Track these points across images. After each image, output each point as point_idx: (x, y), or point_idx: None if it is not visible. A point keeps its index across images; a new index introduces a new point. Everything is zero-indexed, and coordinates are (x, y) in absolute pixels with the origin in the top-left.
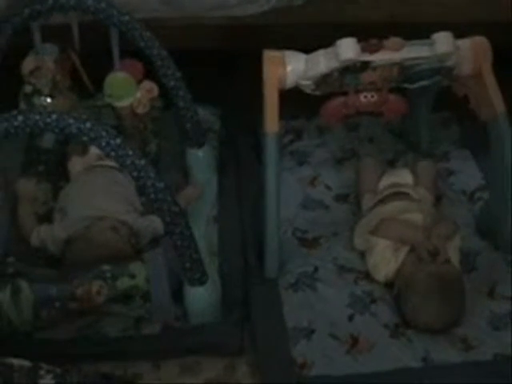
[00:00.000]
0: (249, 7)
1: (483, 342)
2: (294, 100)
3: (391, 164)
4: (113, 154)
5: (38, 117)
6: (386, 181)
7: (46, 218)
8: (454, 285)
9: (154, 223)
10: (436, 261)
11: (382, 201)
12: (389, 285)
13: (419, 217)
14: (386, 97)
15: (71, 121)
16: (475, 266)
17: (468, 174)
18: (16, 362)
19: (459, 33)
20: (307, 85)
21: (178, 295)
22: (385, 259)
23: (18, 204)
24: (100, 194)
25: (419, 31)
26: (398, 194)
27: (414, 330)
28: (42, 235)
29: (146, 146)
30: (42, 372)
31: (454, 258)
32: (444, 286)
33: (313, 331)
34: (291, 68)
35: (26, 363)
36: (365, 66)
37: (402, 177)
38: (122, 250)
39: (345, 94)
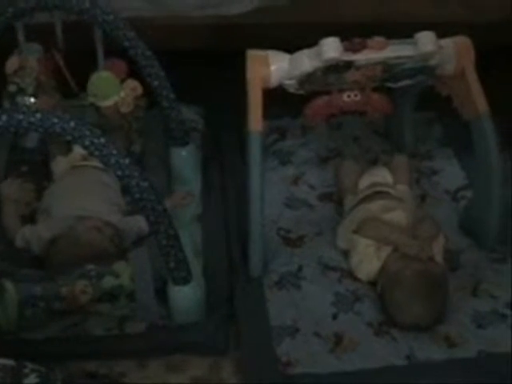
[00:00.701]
0: (233, 7)
1: (467, 339)
2: (278, 100)
3: (374, 163)
4: (97, 153)
5: (21, 116)
6: (365, 180)
7: (30, 218)
8: (438, 282)
9: (139, 223)
10: (420, 259)
11: (364, 200)
12: (372, 283)
13: (402, 215)
14: (370, 96)
15: (55, 120)
16: (459, 264)
17: (451, 172)
18: (0, 360)
19: (442, 33)
20: (291, 84)
21: (162, 294)
22: (367, 258)
23: (3, 205)
24: (84, 194)
25: (403, 31)
26: (379, 193)
27: (398, 327)
28: (27, 236)
29: (130, 146)
30: (26, 371)
31: (438, 256)
32: (428, 283)
33: (297, 330)
34: (275, 67)
35: (10, 362)
36: (348, 65)
37: (382, 176)
38: (106, 250)
39: (328, 93)
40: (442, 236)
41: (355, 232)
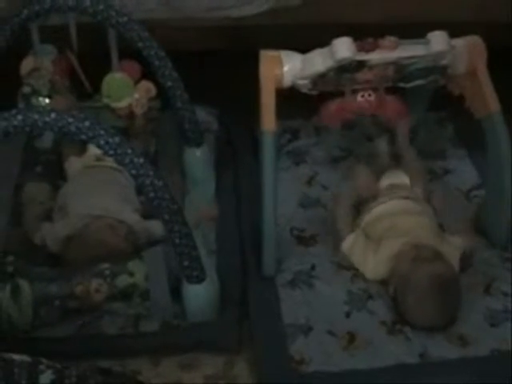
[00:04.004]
0: (246, 8)
1: (480, 338)
2: (292, 100)
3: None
4: (111, 152)
5: (36, 116)
6: (383, 183)
7: (45, 217)
8: (451, 286)
9: (153, 227)
10: (434, 261)
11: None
12: (385, 282)
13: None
14: (384, 99)
15: (70, 119)
16: (472, 262)
17: (464, 172)
18: (16, 357)
19: (454, 32)
20: (304, 84)
21: (176, 293)
22: (363, 257)
23: (26, 207)
24: (99, 193)
25: (415, 31)
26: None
27: (411, 326)
28: (44, 233)
29: (146, 147)
30: (42, 367)
31: (454, 257)
32: (442, 287)
33: (310, 328)
34: (288, 67)
35: (27, 358)
36: (361, 65)
37: (399, 177)
38: (121, 249)
39: (342, 93)
40: (459, 237)
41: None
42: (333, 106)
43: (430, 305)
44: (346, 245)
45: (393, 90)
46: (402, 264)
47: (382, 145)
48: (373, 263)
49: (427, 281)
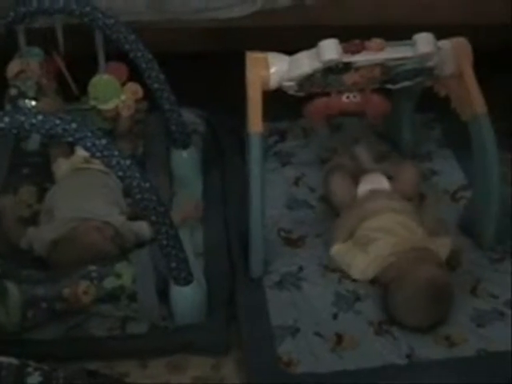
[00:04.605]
0: (234, 10)
1: (467, 338)
2: (278, 102)
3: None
4: (98, 154)
5: (23, 118)
6: (362, 189)
7: (32, 220)
8: (446, 290)
9: (141, 229)
10: (433, 264)
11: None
12: (374, 282)
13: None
14: (369, 97)
15: (57, 121)
16: (457, 263)
17: (450, 173)
18: (4, 359)
19: (441, 34)
20: (290, 86)
21: (164, 295)
22: (350, 258)
23: (1, 219)
24: (86, 196)
25: (401, 33)
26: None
27: (398, 326)
28: (30, 237)
29: (133, 149)
30: (29, 369)
31: (441, 257)
32: (438, 290)
33: (298, 330)
34: (274, 69)
35: (14, 361)
36: (347, 66)
37: (378, 182)
38: (108, 251)
39: (328, 94)
40: (448, 238)
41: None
42: (318, 103)
43: (423, 306)
44: (333, 250)
45: (378, 89)
46: (400, 263)
47: (361, 151)
48: (364, 264)
49: (425, 282)
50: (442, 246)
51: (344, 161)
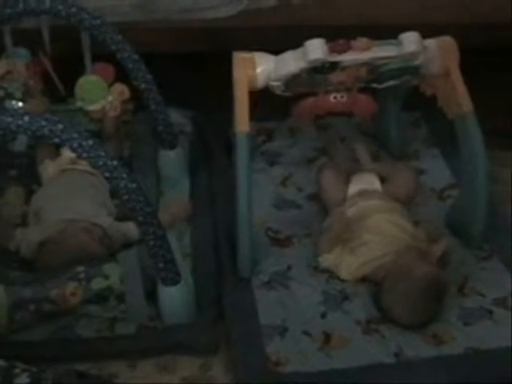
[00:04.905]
0: (221, 10)
1: (454, 336)
2: (266, 102)
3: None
4: (85, 155)
5: (10, 119)
6: (353, 188)
7: (20, 222)
8: (441, 288)
9: (128, 230)
10: (429, 261)
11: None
12: (363, 280)
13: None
14: (356, 97)
15: (43, 122)
16: (446, 262)
17: (437, 172)
18: None
19: (427, 33)
20: (277, 86)
21: (152, 295)
22: (339, 260)
23: None
24: (73, 197)
25: (387, 33)
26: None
27: (389, 324)
28: (17, 239)
29: (117, 149)
30: (17, 371)
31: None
32: (433, 289)
33: (286, 329)
34: (261, 69)
35: (2, 362)
36: (333, 66)
37: (370, 182)
38: (96, 252)
39: (315, 94)
40: (444, 239)
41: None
42: (305, 103)
43: (418, 303)
44: (322, 259)
45: (365, 89)
46: (395, 261)
47: (361, 148)
48: (353, 266)
49: (423, 280)
50: (436, 246)
51: (339, 157)
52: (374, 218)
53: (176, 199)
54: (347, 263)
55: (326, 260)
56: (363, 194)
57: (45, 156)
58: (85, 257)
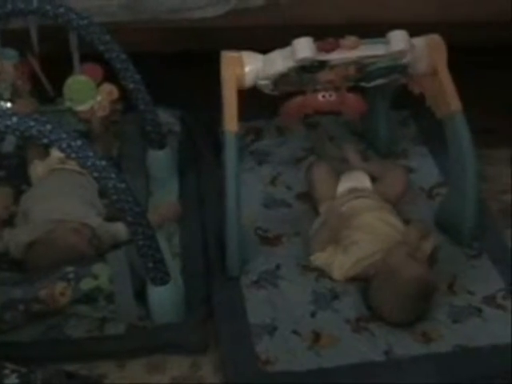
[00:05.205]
0: (208, 10)
1: (443, 334)
2: (254, 101)
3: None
4: (73, 155)
5: None
6: (343, 186)
7: (8, 222)
8: (429, 288)
9: (118, 230)
10: (419, 260)
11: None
12: (353, 279)
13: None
14: (345, 96)
15: (32, 123)
16: (435, 260)
17: (426, 170)
18: None
19: (415, 31)
20: (265, 85)
21: (141, 295)
22: (331, 258)
23: None
24: (62, 197)
25: (376, 31)
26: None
27: (378, 322)
28: (5, 240)
29: (109, 149)
30: (6, 371)
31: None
32: (421, 289)
33: (275, 328)
34: (249, 68)
35: None
36: (322, 65)
37: (360, 181)
38: (85, 252)
39: (303, 93)
40: (432, 237)
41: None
42: (293, 103)
43: (407, 303)
44: (314, 258)
45: (353, 89)
46: (384, 259)
47: (349, 149)
48: (345, 266)
49: (411, 280)
50: (426, 243)
51: (327, 156)
52: (365, 216)
53: (165, 200)
54: (340, 263)
55: (318, 259)
56: (353, 191)
57: (34, 156)
58: (74, 257)
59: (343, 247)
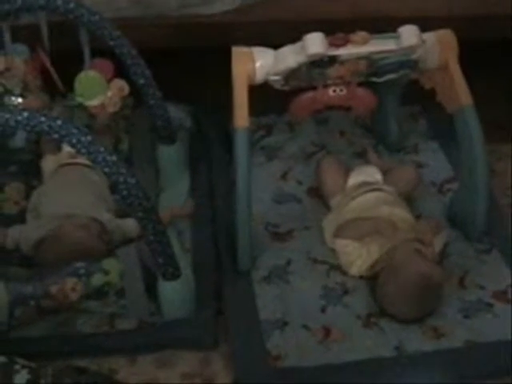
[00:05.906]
0: (217, 5)
1: (454, 329)
2: (264, 97)
3: (361, 157)
4: (84, 150)
5: (8, 115)
6: (354, 180)
7: (19, 217)
8: (437, 285)
9: (128, 225)
10: (426, 256)
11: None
12: (362, 277)
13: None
14: (355, 91)
15: (42, 118)
16: (446, 255)
17: (437, 165)
18: None
19: (426, 26)
20: (276, 80)
21: (152, 291)
22: (355, 257)
23: None
24: (72, 192)
25: (386, 26)
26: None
27: (387, 318)
28: (15, 236)
29: (117, 145)
30: (17, 367)
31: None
32: (428, 285)
33: (286, 323)
34: (260, 64)
35: (1, 358)
36: (332, 60)
37: (371, 175)
38: (95, 247)
39: (314, 89)
40: (444, 232)
41: (336, 236)
42: (304, 98)
43: (414, 300)
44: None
45: (363, 84)
46: (393, 254)
47: (373, 157)
48: (369, 262)
49: (418, 277)
50: (437, 239)
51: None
52: (378, 211)
53: (176, 196)
54: (361, 262)
55: (339, 244)
56: (364, 185)
57: (47, 151)
58: (84, 253)
59: (367, 247)
